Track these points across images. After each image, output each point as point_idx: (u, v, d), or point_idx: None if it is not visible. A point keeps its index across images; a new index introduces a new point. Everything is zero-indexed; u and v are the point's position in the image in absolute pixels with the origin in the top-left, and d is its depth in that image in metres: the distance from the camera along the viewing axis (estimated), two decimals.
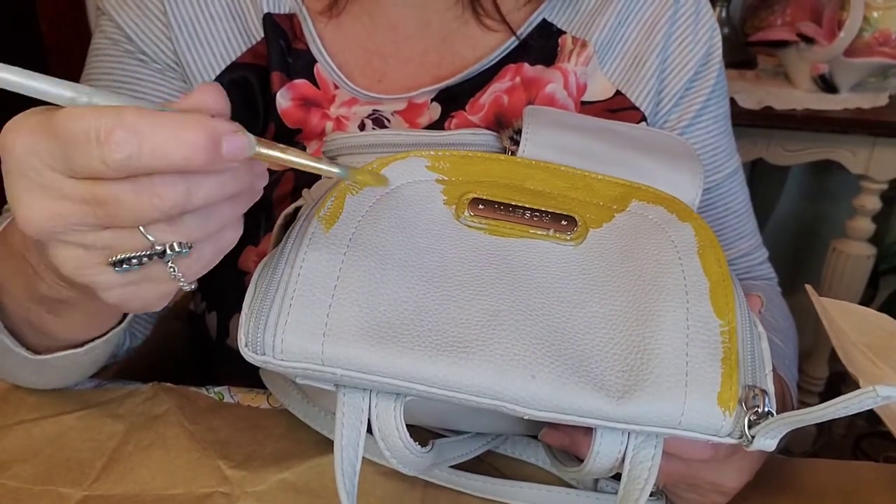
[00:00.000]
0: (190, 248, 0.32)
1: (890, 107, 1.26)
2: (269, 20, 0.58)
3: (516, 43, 0.60)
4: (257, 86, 0.58)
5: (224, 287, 0.58)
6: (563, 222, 0.41)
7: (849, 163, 1.29)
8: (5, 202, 0.58)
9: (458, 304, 0.38)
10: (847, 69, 1.25)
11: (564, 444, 0.43)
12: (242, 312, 0.37)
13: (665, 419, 0.36)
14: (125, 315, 0.48)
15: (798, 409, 0.36)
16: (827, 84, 1.27)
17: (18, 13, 1.71)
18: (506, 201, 0.42)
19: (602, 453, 0.38)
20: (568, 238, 0.41)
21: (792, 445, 1.42)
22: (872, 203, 1.32)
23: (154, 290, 0.33)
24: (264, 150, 0.31)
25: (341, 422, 0.37)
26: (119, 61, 0.59)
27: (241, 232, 0.35)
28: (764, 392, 0.36)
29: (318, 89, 0.58)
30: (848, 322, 0.48)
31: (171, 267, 0.32)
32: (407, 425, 0.38)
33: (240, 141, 0.30)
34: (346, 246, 0.38)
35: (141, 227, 0.30)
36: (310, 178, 0.55)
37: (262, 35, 0.58)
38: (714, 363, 0.37)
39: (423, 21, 0.60)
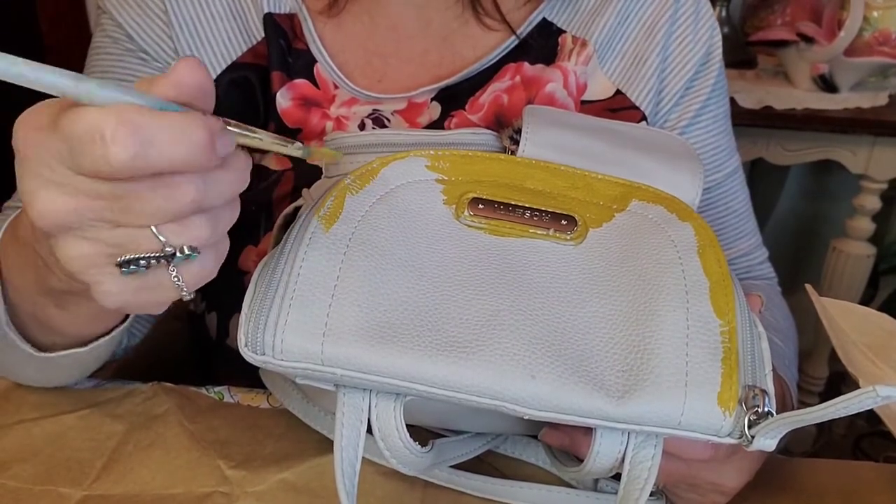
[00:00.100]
0: (198, 253, 0.32)
1: (890, 106, 1.26)
2: (270, 20, 0.58)
3: (516, 42, 0.60)
4: (258, 85, 0.58)
5: (224, 287, 0.58)
6: (563, 222, 0.41)
7: (849, 162, 1.29)
8: (5, 199, 0.58)
9: (458, 304, 0.38)
10: (847, 69, 1.25)
11: (564, 443, 0.43)
12: (242, 312, 0.37)
13: (665, 419, 0.36)
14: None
15: (798, 409, 0.36)
16: (827, 84, 1.27)
17: (18, 13, 1.71)
18: (506, 201, 0.42)
19: (602, 453, 0.38)
20: (568, 238, 0.41)
21: (792, 445, 1.42)
22: (872, 203, 1.32)
23: (154, 297, 0.33)
24: (239, 140, 0.32)
25: (341, 422, 0.37)
26: (119, 59, 0.59)
27: (229, 243, 0.35)
28: (764, 392, 0.36)
29: (318, 89, 0.58)
30: (848, 322, 0.48)
31: (175, 276, 0.32)
32: (407, 425, 0.38)
33: (228, 137, 0.31)
34: (345, 246, 0.38)
35: (153, 228, 0.30)
36: (309, 178, 0.55)
37: (263, 35, 0.58)
38: (714, 363, 0.37)
39: (424, 21, 0.60)
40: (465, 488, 0.47)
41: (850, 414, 0.32)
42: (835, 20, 1.23)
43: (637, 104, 0.61)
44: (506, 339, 0.36)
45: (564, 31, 0.61)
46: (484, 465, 0.49)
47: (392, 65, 0.60)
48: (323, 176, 0.47)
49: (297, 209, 0.45)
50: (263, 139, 0.34)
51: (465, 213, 0.41)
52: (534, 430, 0.46)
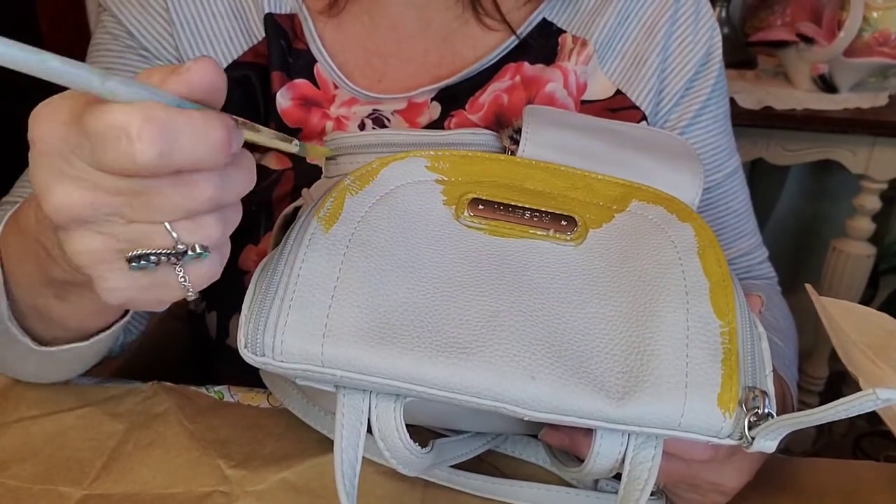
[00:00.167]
0: (208, 252, 0.32)
1: (890, 107, 1.26)
2: (271, 20, 0.58)
3: (516, 42, 0.60)
4: (258, 85, 0.58)
5: (224, 287, 0.58)
6: (563, 222, 0.41)
7: (849, 162, 1.29)
8: (4, 194, 0.58)
9: (457, 305, 0.38)
10: (847, 69, 1.25)
11: (564, 444, 0.43)
12: (242, 314, 0.37)
13: (665, 420, 0.36)
14: None
15: (798, 408, 0.36)
16: (827, 84, 1.27)
17: (18, 13, 1.71)
18: (506, 201, 0.41)
19: (602, 454, 0.38)
20: (568, 238, 0.41)
21: (792, 445, 1.42)
22: (872, 203, 1.32)
23: (158, 296, 0.33)
24: (246, 136, 0.33)
25: (341, 423, 0.37)
26: (120, 56, 0.59)
27: (230, 246, 0.35)
28: (764, 393, 0.36)
29: (318, 89, 0.58)
30: (848, 322, 0.48)
31: (181, 275, 0.32)
32: (407, 425, 0.38)
33: (240, 134, 0.31)
34: (345, 247, 0.38)
35: (167, 224, 0.30)
36: (309, 178, 0.55)
37: (263, 35, 0.58)
38: (714, 364, 0.37)
39: (424, 21, 0.60)
40: (465, 488, 0.47)
41: (850, 416, 0.32)
42: (835, 21, 1.23)
43: (637, 104, 0.61)
44: (506, 340, 0.36)
45: (564, 31, 0.61)
46: (484, 464, 0.49)
47: (392, 65, 0.60)
48: (323, 176, 0.47)
49: (297, 209, 0.45)
50: (268, 136, 0.34)
51: (465, 213, 0.41)
52: (534, 429, 0.46)
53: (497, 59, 0.60)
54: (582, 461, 0.40)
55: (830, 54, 1.23)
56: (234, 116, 0.32)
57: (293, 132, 0.58)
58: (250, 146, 0.34)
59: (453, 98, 0.59)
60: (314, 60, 0.58)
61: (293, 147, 0.37)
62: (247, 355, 0.37)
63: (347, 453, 0.37)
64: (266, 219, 0.56)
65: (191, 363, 0.73)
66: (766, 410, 0.36)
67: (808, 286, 0.49)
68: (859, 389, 0.33)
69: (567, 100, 0.59)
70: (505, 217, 0.41)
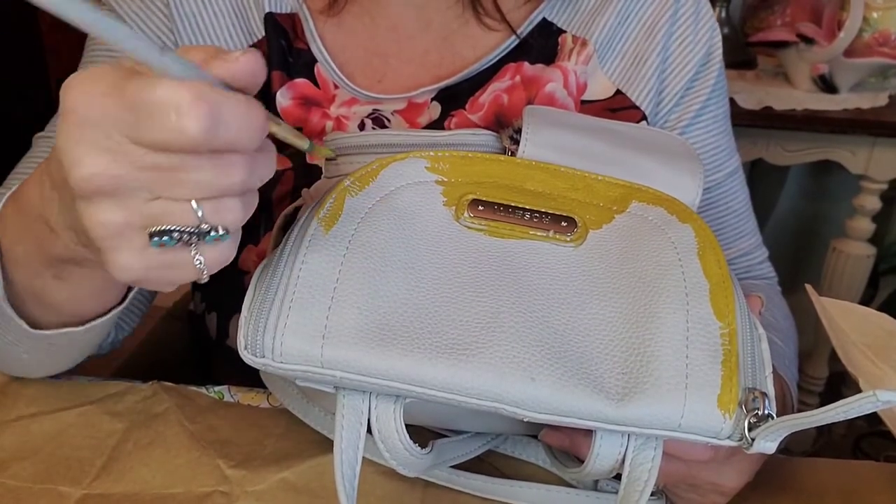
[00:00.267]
0: (229, 234, 0.32)
1: (890, 107, 1.26)
2: (271, 19, 0.58)
3: (516, 42, 0.60)
4: None
5: (224, 287, 0.58)
6: (563, 223, 0.41)
7: (848, 163, 1.29)
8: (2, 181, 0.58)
9: (457, 306, 0.38)
10: (847, 69, 1.25)
11: (564, 444, 0.43)
12: (242, 315, 0.37)
13: (665, 422, 0.36)
14: (127, 293, 0.48)
15: (798, 409, 0.36)
16: (827, 84, 1.27)
17: (18, 13, 1.71)
18: (506, 202, 0.41)
19: (602, 455, 0.38)
20: (568, 239, 0.41)
21: (792, 445, 1.42)
22: (872, 203, 1.32)
23: (171, 276, 0.33)
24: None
25: (341, 424, 0.37)
26: (119, 52, 0.59)
27: (240, 233, 0.35)
28: (764, 395, 0.36)
29: (318, 89, 0.58)
30: (848, 322, 0.48)
31: (197, 257, 0.32)
32: (407, 425, 0.38)
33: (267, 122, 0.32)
34: (345, 247, 0.38)
35: (193, 203, 0.30)
36: (309, 178, 0.55)
37: (263, 34, 0.58)
38: (714, 365, 0.37)
39: (425, 21, 0.60)
40: (466, 488, 0.47)
41: (850, 417, 0.32)
42: (835, 21, 1.23)
43: (637, 104, 0.61)
44: (506, 341, 0.36)
45: (564, 31, 0.61)
46: (484, 464, 0.49)
47: (392, 65, 0.60)
48: (323, 176, 0.47)
49: (297, 209, 0.44)
50: (286, 130, 0.35)
51: (465, 214, 0.41)
52: (534, 430, 0.46)
53: (497, 59, 0.60)
54: (582, 462, 0.40)
55: (830, 54, 1.23)
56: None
57: None
58: None
59: (453, 98, 0.59)
60: (314, 60, 0.58)
61: (304, 144, 0.37)
62: (247, 357, 0.37)
63: (347, 454, 0.37)
64: (266, 219, 0.56)
65: (191, 363, 0.73)
66: (766, 412, 0.36)
67: (808, 286, 0.49)
68: (859, 390, 0.33)
69: (567, 100, 0.59)
70: (505, 218, 0.41)
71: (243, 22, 0.58)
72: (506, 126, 0.58)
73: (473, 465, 0.48)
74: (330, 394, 0.38)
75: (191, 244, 0.32)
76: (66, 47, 1.74)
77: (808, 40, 1.25)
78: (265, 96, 0.58)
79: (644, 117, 0.61)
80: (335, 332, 0.36)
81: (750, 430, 0.35)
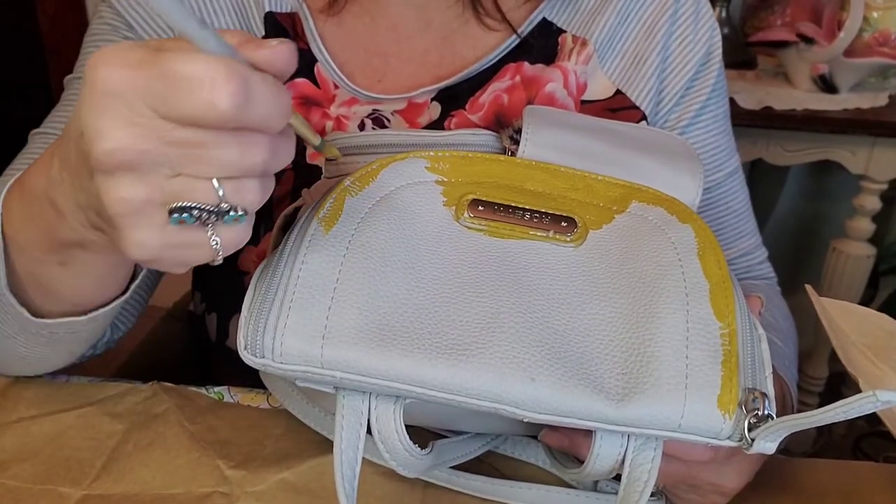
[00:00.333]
0: (247, 215, 0.32)
1: (890, 107, 1.26)
2: (271, 19, 0.58)
3: (517, 42, 0.60)
4: None
5: (224, 288, 0.58)
6: (563, 223, 0.41)
7: (848, 163, 1.29)
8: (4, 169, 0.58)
9: (457, 307, 0.37)
10: (847, 69, 1.25)
11: (564, 445, 0.43)
12: (242, 315, 0.37)
13: (665, 422, 0.36)
14: (130, 283, 0.48)
15: (798, 409, 0.36)
16: (827, 84, 1.27)
17: (18, 13, 1.71)
18: (506, 202, 0.41)
19: (602, 455, 0.38)
20: (568, 239, 0.41)
21: (792, 446, 1.42)
22: (872, 203, 1.32)
23: (185, 256, 0.33)
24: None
25: (341, 424, 0.37)
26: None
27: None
28: (764, 395, 0.36)
29: (319, 88, 0.58)
30: (848, 322, 0.48)
31: (213, 238, 0.32)
32: (407, 426, 0.38)
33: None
34: (345, 248, 0.38)
35: (215, 182, 0.30)
36: (309, 178, 0.55)
37: (264, 33, 0.58)
38: (714, 366, 0.37)
39: (425, 21, 0.60)
40: (465, 489, 0.47)
41: (850, 418, 0.32)
42: (835, 21, 1.23)
43: (637, 104, 0.61)
44: (505, 341, 0.36)
45: (564, 31, 0.61)
46: (484, 465, 0.49)
47: (392, 65, 0.60)
48: (323, 176, 0.47)
49: (297, 209, 0.44)
50: (300, 122, 0.35)
51: (465, 214, 0.41)
52: (534, 430, 0.46)
53: (497, 58, 0.60)
54: (582, 462, 0.40)
55: (830, 54, 1.23)
56: None
57: None
58: None
59: (453, 98, 0.59)
60: (314, 60, 0.58)
61: (316, 140, 0.37)
62: (247, 357, 0.37)
63: (347, 454, 0.37)
64: (266, 219, 0.56)
65: (191, 363, 0.73)
66: (766, 412, 0.36)
67: (808, 287, 0.49)
68: (859, 390, 0.33)
69: (567, 100, 0.59)
70: (505, 218, 0.41)
71: (243, 21, 0.58)
72: (506, 126, 0.58)
73: (473, 466, 0.48)
74: (330, 394, 0.38)
75: (208, 224, 0.32)
76: (66, 47, 1.74)
77: (808, 40, 1.25)
78: None
79: (644, 117, 0.61)
80: (335, 332, 0.36)
81: (750, 430, 0.35)
